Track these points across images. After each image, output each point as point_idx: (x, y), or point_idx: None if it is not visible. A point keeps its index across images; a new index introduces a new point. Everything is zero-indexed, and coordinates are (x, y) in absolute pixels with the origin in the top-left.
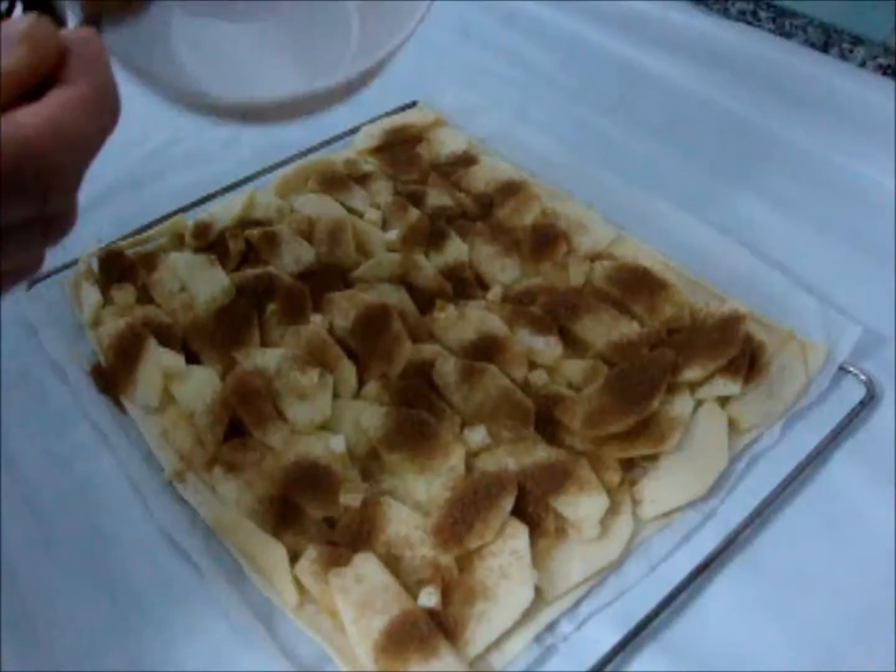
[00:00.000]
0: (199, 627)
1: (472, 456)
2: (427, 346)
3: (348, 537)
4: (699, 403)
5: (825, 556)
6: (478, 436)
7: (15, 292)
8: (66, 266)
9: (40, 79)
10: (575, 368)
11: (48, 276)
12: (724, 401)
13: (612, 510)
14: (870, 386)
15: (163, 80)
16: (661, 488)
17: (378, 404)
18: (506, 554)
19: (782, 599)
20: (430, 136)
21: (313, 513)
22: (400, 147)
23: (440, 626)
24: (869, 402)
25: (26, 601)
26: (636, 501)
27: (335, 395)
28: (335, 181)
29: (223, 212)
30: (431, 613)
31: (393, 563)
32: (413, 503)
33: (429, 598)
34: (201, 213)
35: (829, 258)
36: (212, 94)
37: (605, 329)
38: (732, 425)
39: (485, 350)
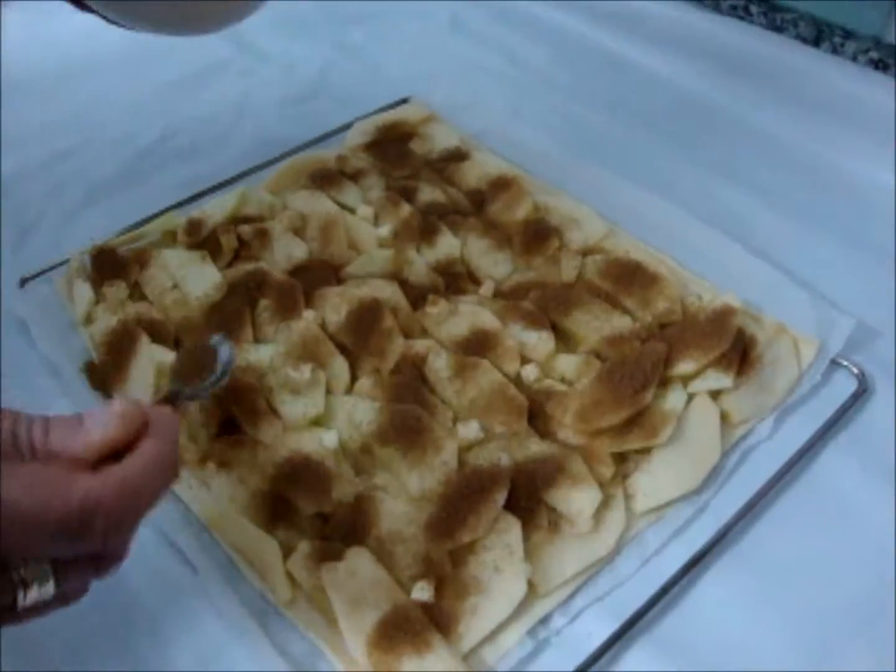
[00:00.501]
0: (193, 624)
1: (464, 450)
2: (419, 341)
3: (341, 532)
4: (691, 397)
5: (818, 549)
6: (470, 430)
7: (8, 293)
8: (59, 264)
9: (126, 446)
10: (567, 363)
11: (41, 273)
12: (716, 394)
13: (605, 504)
14: (862, 379)
15: None
16: (654, 482)
17: (371, 400)
18: (498, 548)
19: (774, 592)
20: (422, 131)
21: (306, 508)
22: (392, 143)
23: (433, 620)
24: (861, 394)
25: None
26: (629, 495)
27: (328, 391)
28: (327, 177)
29: (215, 209)
30: (424, 607)
31: (386, 557)
32: (406, 498)
33: (422, 592)
34: (193, 210)
35: (820, 252)
36: None
37: (597, 323)
38: (725, 419)
39: (477, 345)
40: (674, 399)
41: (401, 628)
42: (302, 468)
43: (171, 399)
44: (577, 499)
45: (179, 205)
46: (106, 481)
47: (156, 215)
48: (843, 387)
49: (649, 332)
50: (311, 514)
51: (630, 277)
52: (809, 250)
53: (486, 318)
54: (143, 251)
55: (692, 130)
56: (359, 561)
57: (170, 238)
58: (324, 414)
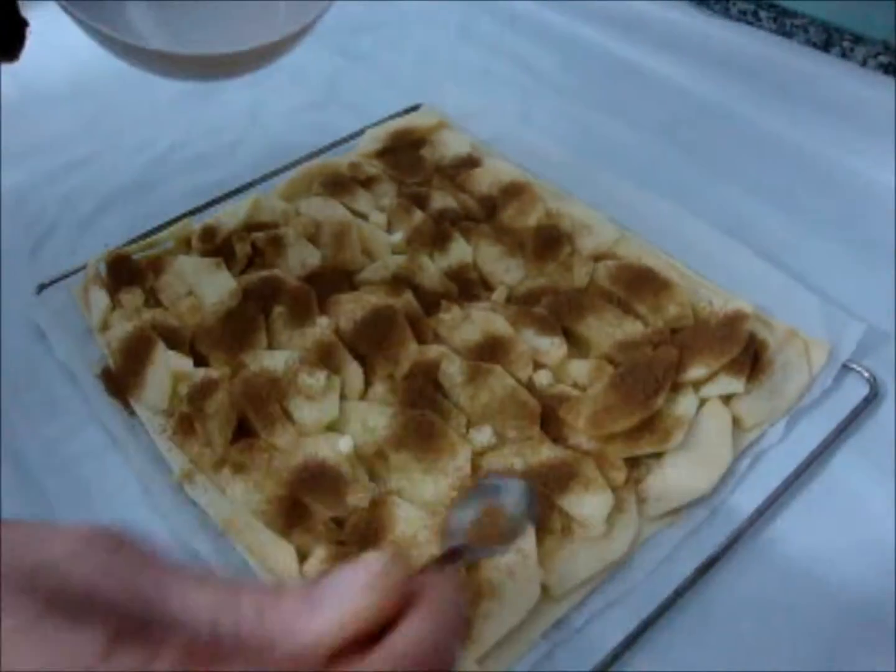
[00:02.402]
0: None
1: (478, 455)
2: (432, 346)
3: (356, 537)
4: (703, 402)
5: (830, 552)
6: (484, 435)
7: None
8: (75, 271)
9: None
10: (580, 368)
11: (57, 280)
12: (727, 399)
13: (618, 508)
14: (873, 383)
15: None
16: (666, 486)
17: (384, 405)
18: (512, 552)
19: (787, 594)
20: (433, 138)
21: (321, 513)
22: (404, 150)
23: None
24: (872, 399)
25: None
26: (641, 499)
27: (342, 397)
28: (340, 184)
29: (229, 216)
30: None
31: None
32: (420, 502)
33: None
34: (208, 218)
35: (831, 256)
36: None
37: (609, 329)
38: (736, 423)
39: (490, 350)
40: (685, 404)
41: None
42: (317, 473)
43: (452, 557)
44: (589, 503)
45: (193, 212)
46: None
47: (170, 222)
48: (855, 391)
49: (661, 338)
50: (326, 518)
51: (641, 283)
52: (820, 255)
53: (499, 324)
54: (159, 258)
55: (702, 135)
56: None
57: (184, 245)
58: (338, 419)
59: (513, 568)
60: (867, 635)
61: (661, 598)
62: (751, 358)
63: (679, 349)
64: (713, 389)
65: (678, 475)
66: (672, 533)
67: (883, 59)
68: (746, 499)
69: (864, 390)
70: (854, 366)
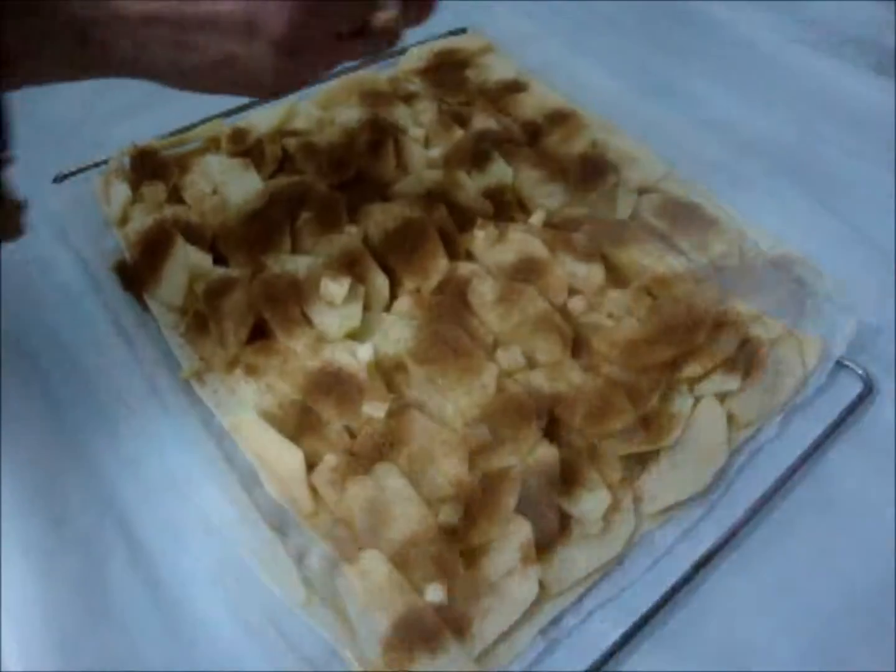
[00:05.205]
0: (206, 626)
1: (505, 376)
2: (464, 264)
3: (369, 448)
4: (698, 399)
5: (825, 549)
6: (512, 356)
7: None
8: (98, 164)
9: None
10: (616, 298)
11: (79, 171)
12: (722, 396)
13: (614, 506)
14: (867, 379)
15: None
16: (662, 484)
17: (409, 319)
18: (510, 550)
19: (782, 591)
20: (478, 61)
21: (335, 420)
22: (447, 70)
23: (446, 622)
24: (866, 395)
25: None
26: (637, 497)
27: (365, 308)
28: (379, 97)
29: (262, 120)
30: (438, 609)
31: (399, 560)
32: (439, 419)
33: (435, 593)
34: (240, 121)
35: (823, 254)
36: None
37: (650, 261)
38: (731, 420)
39: (524, 272)
40: (681, 402)
41: (414, 629)
42: (333, 379)
43: None
44: (586, 501)
45: (226, 114)
46: None
47: (201, 123)
48: (849, 388)
49: (705, 274)
50: (339, 427)
51: (687, 218)
52: (812, 252)
53: (536, 247)
54: (185, 156)
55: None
56: (372, 562)
57: (213, 146)
58: (360, 329)
59: (510, 565)
60: (869, 633)
61: (657, 596)
62: (745, 356)
63: (675, 348)
64: (708, 387)
65: (674, 473)
66: (668, 530)
67: (871, 58)
68: (741, 496)
69: (858, 387)
70: (848, 363)
